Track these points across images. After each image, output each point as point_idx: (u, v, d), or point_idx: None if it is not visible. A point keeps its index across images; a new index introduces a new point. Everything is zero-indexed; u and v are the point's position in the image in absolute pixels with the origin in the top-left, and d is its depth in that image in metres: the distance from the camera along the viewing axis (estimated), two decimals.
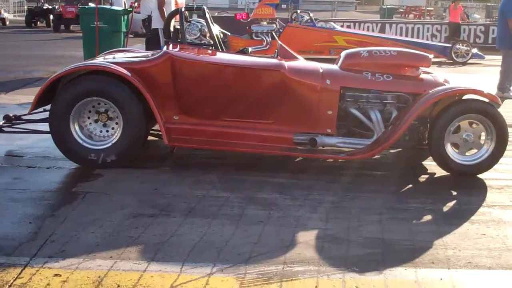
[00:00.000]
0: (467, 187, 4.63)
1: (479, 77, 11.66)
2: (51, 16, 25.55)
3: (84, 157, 4.80)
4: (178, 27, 6.49)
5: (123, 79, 4.75)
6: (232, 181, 4.59)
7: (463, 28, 19.30)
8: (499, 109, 4.81)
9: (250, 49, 5.51)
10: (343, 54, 5.30)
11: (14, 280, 2.88)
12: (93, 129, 4.89)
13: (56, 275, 2.94)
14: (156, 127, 5.15)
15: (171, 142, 4.87)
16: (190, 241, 3.40)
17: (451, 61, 14.54)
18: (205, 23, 5.85)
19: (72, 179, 4.67)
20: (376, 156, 5.15)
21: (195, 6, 7.13)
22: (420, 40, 16.79)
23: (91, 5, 13.06)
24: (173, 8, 8.98)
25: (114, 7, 12.52)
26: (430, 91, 4.79)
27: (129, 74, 4.75)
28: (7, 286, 2.83)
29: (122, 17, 10.60)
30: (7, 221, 3.65)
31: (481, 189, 4.59)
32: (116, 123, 4.86)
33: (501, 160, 4.79)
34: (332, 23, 16.14)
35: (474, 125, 4.78)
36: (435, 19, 30.22)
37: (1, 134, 5.34)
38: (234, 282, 2.92)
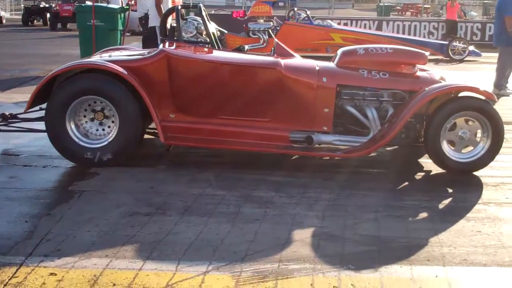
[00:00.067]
0: (463, 184, 4.63)
1: (476, 74, 11.66)
2: (48, 15, 25.51)
3: (80, 155, 4.79)
4: (175, 25, 6.47)
5: (119, 77, 4.74)
6: (228, 179, 4.59)
7: (460, 25, 19.29)
8: (495, 106, 4.81)
9: (246, 47, 5.50)
10: (339, 51, 5.30)
11: (10, 279, 2.87)
12: (89, 127, 4.88)
13: (51, 274, 2.94)
14: (152, 125, 5.14)
15: (167, 141, 4.87)
16: (186, 239, 3.40)
17: (448, 59, 14.54)
18: (201, 21, 5.83)
19: (68, 178, 4.66)
20: (372, 154, 5.16)
21: (191, 4, 7.13)
22: (417, 38, 16.78)
23: (88, 3, 13.03)
24: (170, 6, 8.97)
25: (110, 5, 12.49)
26: (426, 89, 4.79)
27: (125, 72, 4.74)
28: (2, 285, 2.83)
29: (119, 15, 10.59)
30: (3, 220, 3.65)
31: (477, 186, 4.60)
32: (112, 122, 4.85)
33: (497, 157, 4.79)
34: (329, 20, 16.15)
35: (470, 123, 4.78)
36: (432, 17, 30.19)
37: None
38: (229, 280, 2.92)
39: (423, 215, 3.95)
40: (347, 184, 4.54)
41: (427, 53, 5.30)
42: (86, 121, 4.88)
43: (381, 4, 37.43)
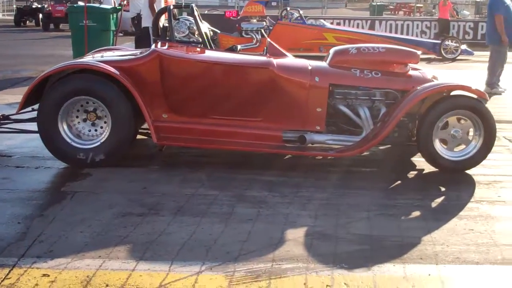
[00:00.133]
0: (455, 183, 4.65)
1: (468, 73, 11.70)
2: (40, 15, 25.36)
3: (73, 156, 4.78)
4: (167, 25, 6.46)
5: (111, 78, 4.73)
6: (221, 179, 4.58)
7: (452, 24, 19.34)
8: (487, 105, 4.83)
9: (239, 47, 5.50)
10: (331, 51, 5.31)
11: (2, 281, 2.86)
12: (82, 128, 4.87)
13: (44, 275, 2.93)
14: (145, 125, 5.13)
15: (160, 141, 4.86)
16: (179, 239, 3.40)
17: (441, 58, 14.58)
18: (193, 21, 5.83)
19: (60, 179, 4.65)
20: (365, 153, 5.17)
21: (183, 4, 7.11)
22: (409, 37, 16.81)
23: (80, 3, 12.99)
24: (162, 6, 8.95)
25: (103, 6, 12.46)
26: (418, 88, 4.81)
27: (117, 72, 4.73)
28: None
29: (111, 15, 10.55)
30: None
31: (469, 184, 4.61)
32: (105, 122, 4.84)
33: (489, 155, 4.81)
34: (322, 20, 16.17)
35: (462, 121, 4.80)
36: (424, 16, 30.26)
37: None
38: (223, 280, 2.92)
39: (416, 213, 3.96)
40: (340, 183, 4.55)
41: (419, 52, 5.33)
42: (79, 122, 4.87)
43: (374, 3, 37.42)
